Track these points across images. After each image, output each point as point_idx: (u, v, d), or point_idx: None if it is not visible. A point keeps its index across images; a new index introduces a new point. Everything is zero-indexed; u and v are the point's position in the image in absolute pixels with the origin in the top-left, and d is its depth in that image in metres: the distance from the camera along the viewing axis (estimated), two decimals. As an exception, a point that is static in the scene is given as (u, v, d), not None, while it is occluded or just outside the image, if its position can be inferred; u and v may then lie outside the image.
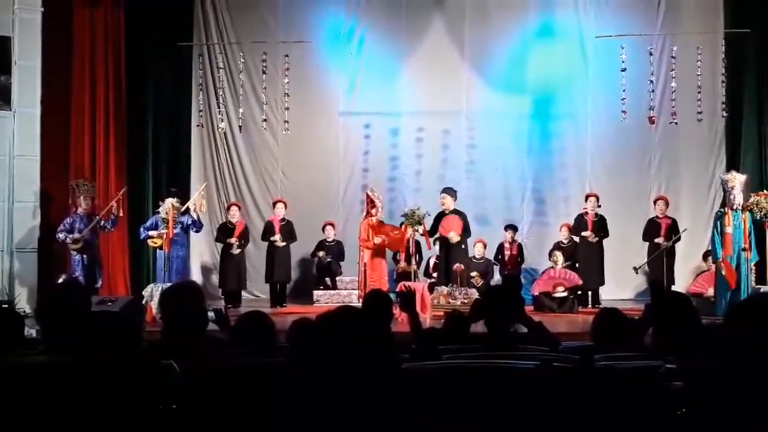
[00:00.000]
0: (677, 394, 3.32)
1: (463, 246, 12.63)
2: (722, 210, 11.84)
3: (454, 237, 12.42)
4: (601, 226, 13.00)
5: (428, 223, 12.41)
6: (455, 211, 12.69)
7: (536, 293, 12.72)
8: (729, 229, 11.49)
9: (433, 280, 12.95)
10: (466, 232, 12.62)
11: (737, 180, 11.65)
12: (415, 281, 11.88)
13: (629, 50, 13.08)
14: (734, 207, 11.53)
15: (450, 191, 12.81)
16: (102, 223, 12.15)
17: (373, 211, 12.25)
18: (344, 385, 2.53)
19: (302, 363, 2.69)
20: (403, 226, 12.22)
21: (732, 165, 13.71)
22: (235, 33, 14.63)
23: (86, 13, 13.46)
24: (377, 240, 12.16)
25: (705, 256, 13.24)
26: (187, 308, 4.16)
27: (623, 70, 12.96)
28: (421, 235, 12.39)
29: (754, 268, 11.58)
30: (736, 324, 3.32)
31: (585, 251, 13.08)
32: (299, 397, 2.63)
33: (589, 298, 13.07)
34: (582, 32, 14.61)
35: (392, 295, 6.46)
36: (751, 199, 11.63)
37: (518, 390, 3.54)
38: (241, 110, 13.79)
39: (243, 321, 4.78)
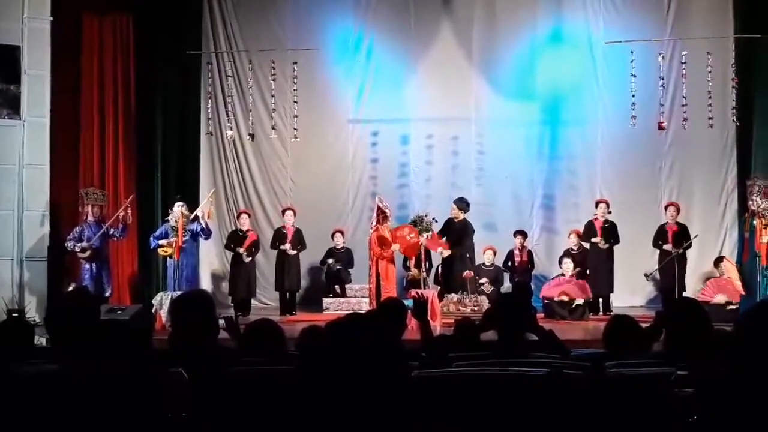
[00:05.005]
0: (689, 401, 3.30)
1: (468, 255, 12.60)
2: (745, 215, 11.82)
3: (444, 252, 12.52)
4: (611, 233, 12.94)
5: (435, 228, 12.36)
6: (464, 221, 12.68)
7: (542, 296, 12.71)
8: (748, 234, 11.47)
9: (442, 287, 12.93)
10: (469, 240, 12.66)
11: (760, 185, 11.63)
12: (424, 288, 11.82)
13: (639, 56, 13.03)
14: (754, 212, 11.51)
15: (460, 202, 12.76)
16: (111, 231, 12.16)
17: (384, 221, 12.01)
18: (354, 393, 2.52)
19: (312, 371, 2.68)
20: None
21: (743, 171, 13.65)
22: (244, 41, 14.63)
23: (95, 22, 13.46)
24: (395, 247, 12.00)
25: (716, 263, 13.18)
26: (196, 316, 4.15)
27: (633, 75, 12.92)
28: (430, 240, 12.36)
29: None
30: (746, 330, 3.30)
31: (595, 258, 13.01)
32: (309, 404, 2.62)
33: (600, 306, 13.00)
34: (591, 38, 14.58)
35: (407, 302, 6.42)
36: (763, 205, 11.56)
37: (529, 397, 3.53)
38: (250, 118, 13.81)
39: (253, 329, 4.77)
